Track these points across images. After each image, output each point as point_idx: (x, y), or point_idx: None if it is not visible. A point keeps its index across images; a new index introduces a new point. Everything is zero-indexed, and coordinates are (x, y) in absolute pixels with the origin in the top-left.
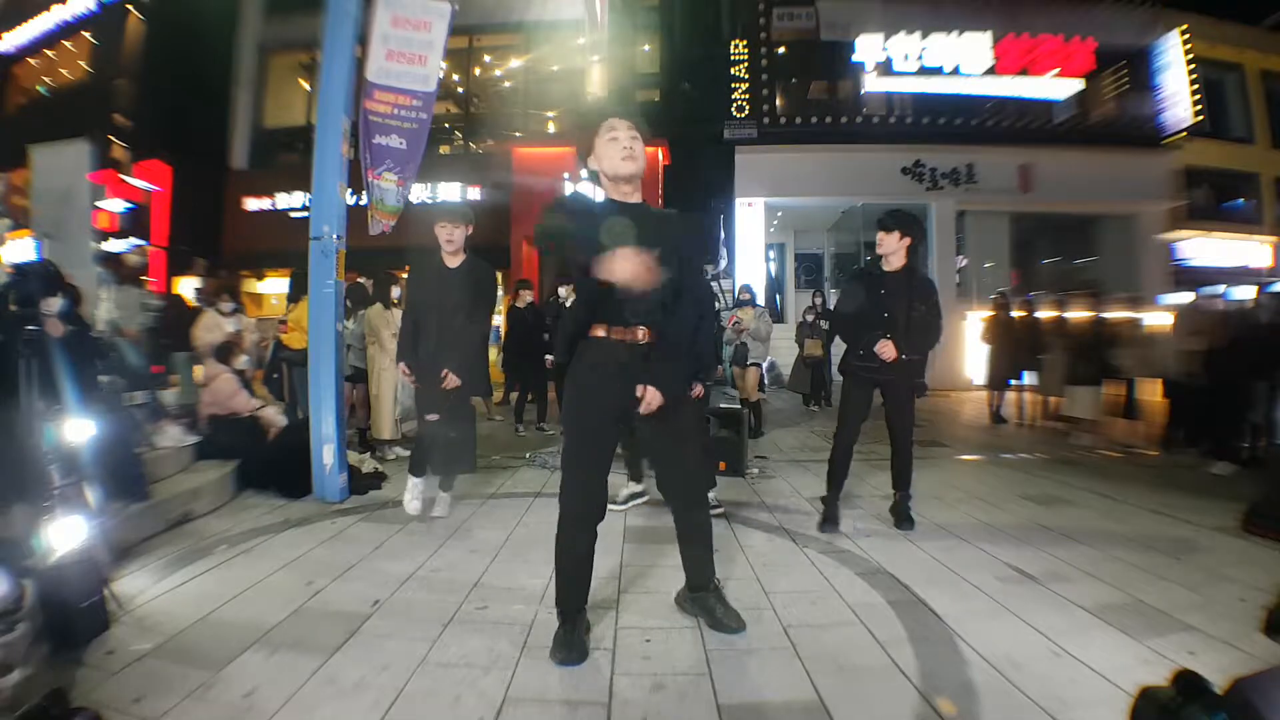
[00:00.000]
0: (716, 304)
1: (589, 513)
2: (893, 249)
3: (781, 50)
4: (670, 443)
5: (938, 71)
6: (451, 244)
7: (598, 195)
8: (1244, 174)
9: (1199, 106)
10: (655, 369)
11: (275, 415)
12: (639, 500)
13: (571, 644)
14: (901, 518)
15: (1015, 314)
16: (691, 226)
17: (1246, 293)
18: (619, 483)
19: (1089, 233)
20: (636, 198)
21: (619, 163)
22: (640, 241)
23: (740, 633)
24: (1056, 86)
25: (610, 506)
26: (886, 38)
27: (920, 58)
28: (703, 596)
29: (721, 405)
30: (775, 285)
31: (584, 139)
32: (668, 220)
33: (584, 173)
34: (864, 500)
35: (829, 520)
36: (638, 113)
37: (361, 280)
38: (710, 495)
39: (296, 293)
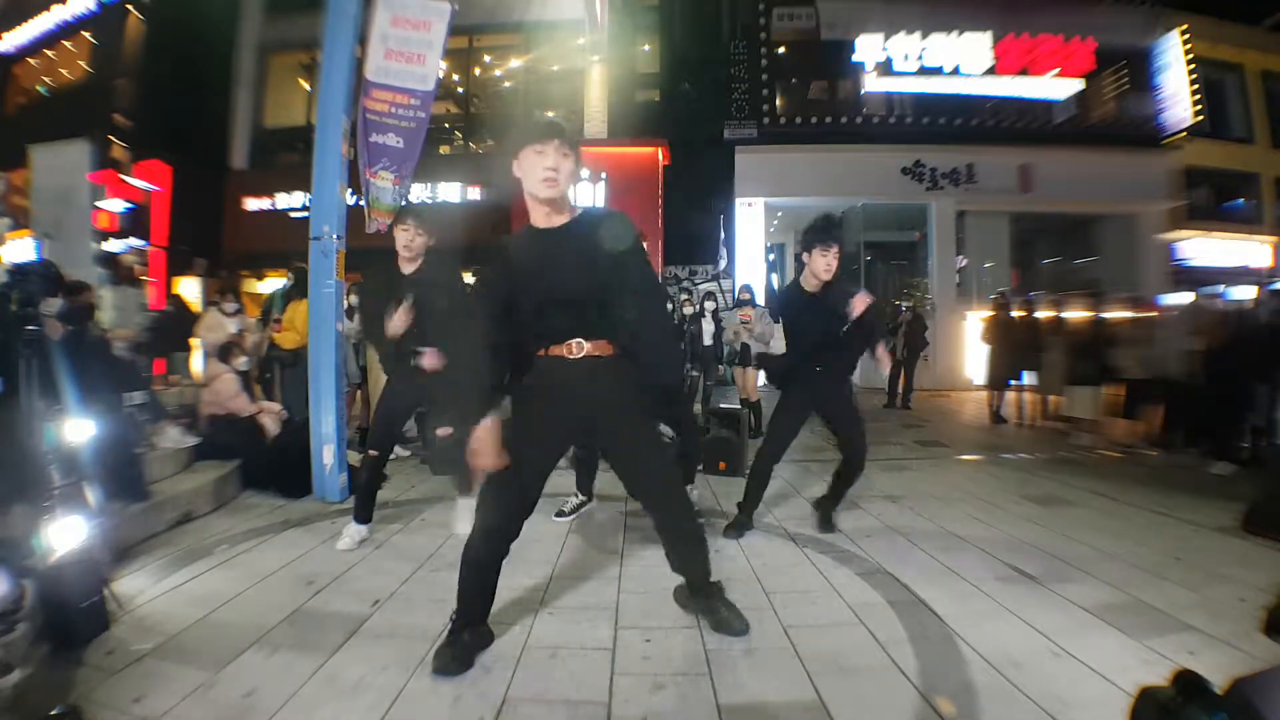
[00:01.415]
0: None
1: (506, 532)
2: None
3: (781, 50)
4: (635, 455)
5: (938, 71)
6: (409, 250)
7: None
8: (1244, 174)
9: (1199, 106)
10: (604, 382)
11: (272, 422)
12: (585, 507)
13: (451, 655)
14: (825, 519)
15: (1015, 314)
16: (615, 226)
17: (1246, 293)
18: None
19: (1089, 233)
20: (560, 219)
21: (538, 184)
22: (554, 267)
23: (744, 634)
24: (1056, 86)
25: (557, 519)
26: (886, 38)
27: (920, 58)
28: (703, 597)
29: (721, 405)
30: (775, 285)
31: (514, 145)
32: (590, 230)
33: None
34: (864, 501)
35: (735, 527)
36: (576, 131)
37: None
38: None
39: (293, 292)
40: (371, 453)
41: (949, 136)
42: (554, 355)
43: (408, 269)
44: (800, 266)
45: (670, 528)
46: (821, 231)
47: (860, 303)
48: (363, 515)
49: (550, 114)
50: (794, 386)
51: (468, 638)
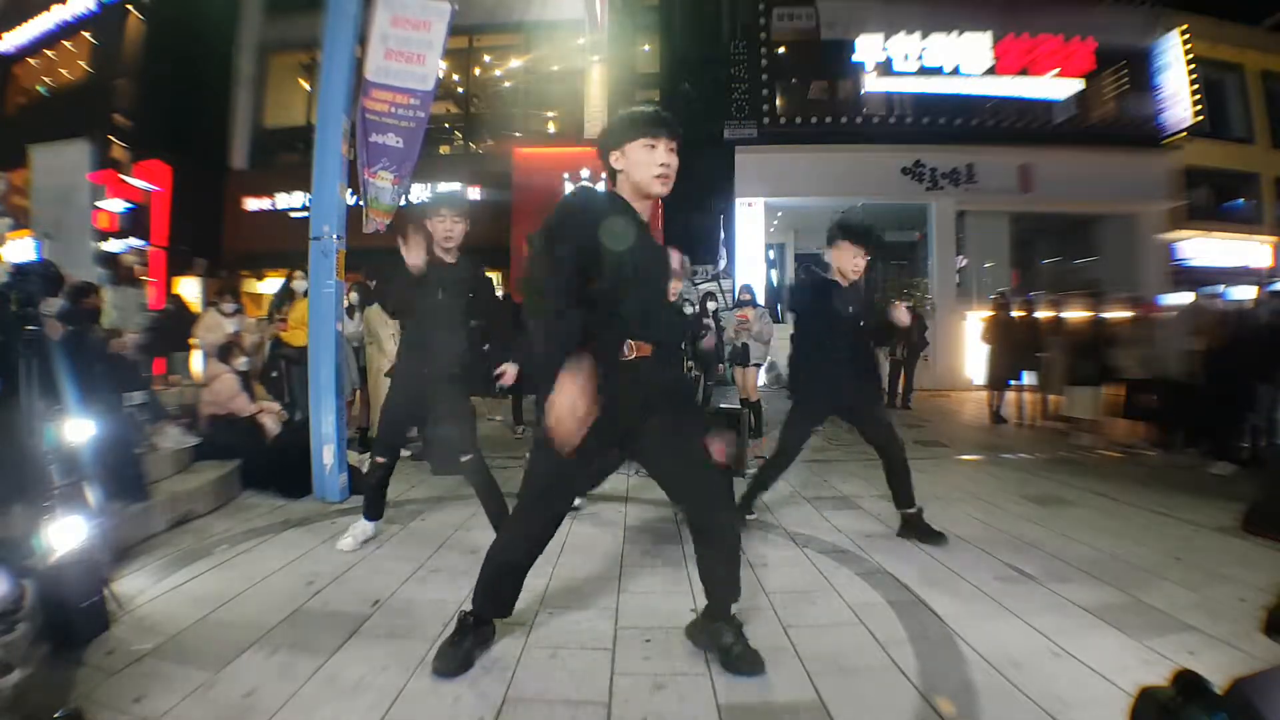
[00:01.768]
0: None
1: (551, 533)
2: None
3: (781, 50)
4: (682, 448)
5: (938, 71)
6: (451, 241)
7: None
8: (1244, 174)
9: (1199, 106)
10: (660, 381)
11: (272, 422)
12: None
13: (453, 655)
14: (927, 534)
15: (1015, 314)
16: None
17: (1246, 293)
18: None
19: (1089, 233)
20: (646, 216)
21: (651, 180)
22: (642, 250)
23: (756, 676)
24: (1056, 86)
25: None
26: (886, 38)
27: (920, 58)
28: (719, 628)
29: (721, 405)
30: (775, 286)
31: (619, 136)
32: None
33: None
34: (864, 500)
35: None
36: (679, 126)
37: (369, 282)
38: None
39: (285, 292)
40: (379, 460)
41: (949, 136)
42: (626, 355)
43: (449, 259)
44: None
45: (709, 525)
46: (857, 231)
47: (902, 314)
48: (373, 512)
49: (654, 106)
50: (810, 395)
51: (472, 638)
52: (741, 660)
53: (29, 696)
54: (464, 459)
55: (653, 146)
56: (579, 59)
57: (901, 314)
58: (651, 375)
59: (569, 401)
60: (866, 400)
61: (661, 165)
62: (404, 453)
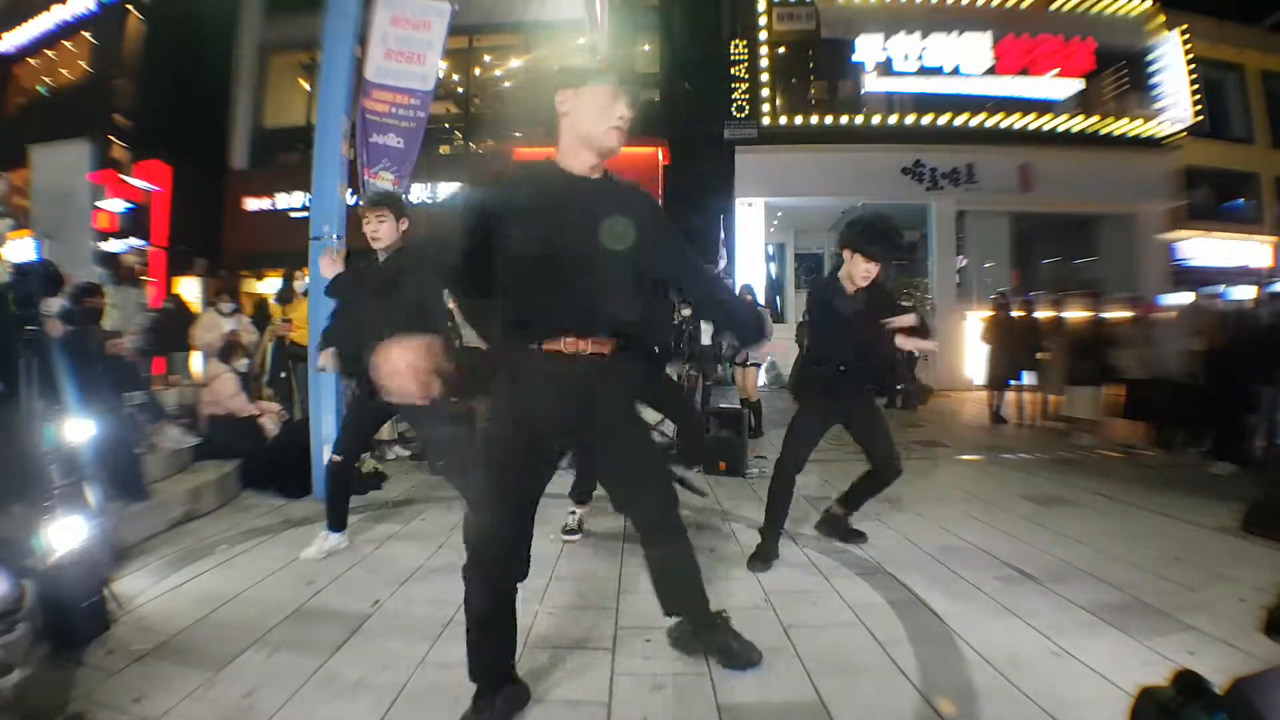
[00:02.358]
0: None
1: (498, 562)
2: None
3: (781, 50)
4: (626, 462)
5: (938, 71)
6: (378, 241)
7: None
8: (1244, 174)
9: (1199, 106)
10: (612, 381)
11: (271, 423)
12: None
13: None
14: (848, 533)
15: (1015, 314)
16: (648, 200)
17: (1246, 293)
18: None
19: (1089, 233)
20: (597, 175)
21: (606, 131)
22: (575, 224)
23: (758, 666)
24: (1056, 86)
25: (564, 538)
26: (886, 38)
27: (920, 58)
28: (707, 633)
29: (721, 405)
30: (775, 285)
31: (575, 76)
32: (626, 196)
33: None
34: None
35: (762, 558)
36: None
37: None
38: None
39: (287, 292)
40: (335, 458)
41: (949, 136)
42: (548, 351)
43: (381, 257)
44: (839, 262)
45: (658, 551)
46: (869, 240)
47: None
48: (335, 524)
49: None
50: (814, 397)
51: (499, 703)
52: (739, 653)
53: (29, 696)
54: (439, 464)
55: (614, 95)
56: (579, 59)
57: (903, 320)
58: (591, 377)
59: (392, 359)
60: (864, 415)
61: (622, 116)
62: (404, 452)
